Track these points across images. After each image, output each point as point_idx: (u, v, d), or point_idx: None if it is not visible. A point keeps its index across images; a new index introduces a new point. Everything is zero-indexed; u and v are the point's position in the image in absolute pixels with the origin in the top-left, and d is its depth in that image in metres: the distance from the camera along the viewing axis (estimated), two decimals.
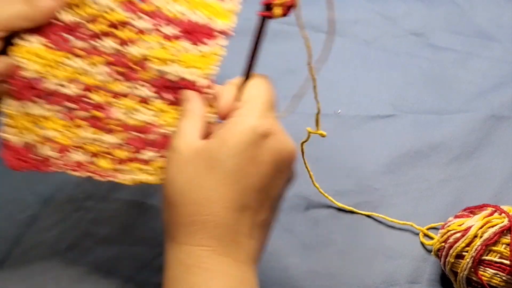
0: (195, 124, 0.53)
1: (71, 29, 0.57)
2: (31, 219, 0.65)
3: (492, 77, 0.74)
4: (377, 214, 0.65)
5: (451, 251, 0.57)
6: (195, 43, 0.57)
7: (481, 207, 0.59)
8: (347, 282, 0.62)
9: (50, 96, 0.57)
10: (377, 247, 0.64)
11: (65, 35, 0.57)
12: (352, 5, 0.80)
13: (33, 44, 0.57)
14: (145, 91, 0.58)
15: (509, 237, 0.55)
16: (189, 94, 0.55)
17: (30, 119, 0.57)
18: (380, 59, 0.75)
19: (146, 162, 0.57)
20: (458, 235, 0.57)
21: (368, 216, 0.65)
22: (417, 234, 0.64)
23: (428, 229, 0.63)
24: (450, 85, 0.73)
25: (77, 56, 0.57)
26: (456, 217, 0.59)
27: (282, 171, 0.51)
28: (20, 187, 0.67)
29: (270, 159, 0.50)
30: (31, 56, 0.56)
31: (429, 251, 0.63)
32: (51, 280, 0.61)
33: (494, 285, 0.55)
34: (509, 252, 0.55)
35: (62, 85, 0.57)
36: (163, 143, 0.57)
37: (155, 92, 0.57)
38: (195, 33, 0.58)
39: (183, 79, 0.57)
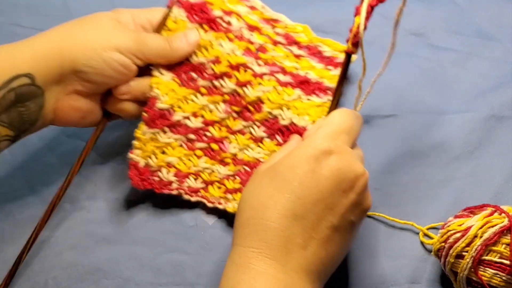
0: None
1: (197, 68, 0.64)
2: (31, 219, 0.64)
3: (492, 77, 0.73)
4: (377, 214, 0.65)
5: (451, 251, 0.57)
6: (308, 94, 0.65)
7: (481, 207, 0.59)
8: (347, 282, 0.62)
9: (176, 127, 0.64)
10: (377, 247, 0.64)
11: (192, 74, 0.64)
12: (352, 5, 0.80)
13: (165, 77, 0.63)
14: (259, 131, 0.64)
15: (509, 237, 0.55)
16: (293, 135, 0.62)
17: (157, 145, 0.63)
18: (380, 59, 0.75)
19: None
20: (458, 235, 0.57)
21: (368, 216, 0.65)
22: (417, 234, 0.64)
23: (428, 229, 0.63)
24: (450, 85, 0.73)
25: (201, 93, 0.64)
26: (456, 217, 0.59)
27: (346, 191, 0.53)
28: (20, 187, 0.67)
29: (330, 175, 0.52)
30: (167, 90, 0.63)
31: (429, 250, 0.63)
32: (51, 280, 0.61)
33: (494, 285, 0.55)
34: (509, 252, 0.55)
35: (187, 118, 0.64)
36: None
37: (267, 132, 0.64)
38: (308, 85, 0.66)
39: (293, 124, 0.63)
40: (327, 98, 0.66)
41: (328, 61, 0.69)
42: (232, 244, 0.53)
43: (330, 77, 0.67)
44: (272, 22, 0.69)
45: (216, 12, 0.64)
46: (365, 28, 0.56)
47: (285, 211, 0.51)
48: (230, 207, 0.63)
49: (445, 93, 0.72)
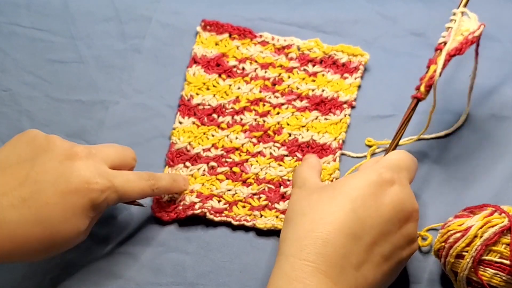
0: (315, 172, 0.60)
1: (218, 109, 0.70)
2: None
3: (492, 77, 0.73)
4: None
5: (451, 251, 0.57)
6: (325, 114, 0.70)
7: (481, 207, 0.59)
8: None
9: (197, 159, 0.67)
10: None
11: (213, 115, 0.70)
12: (352, 5, 0.80)
13: (185, 124, 0.69)
14: (278, 151, 0.68)
15: (509, 237, 0.55)
16: (309, 154, 0.66)
17: None
18: (380, 59, 0.75)
19: (282, 211, 0.64)
20: (458, 235, 0.57)
21: None
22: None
23: (427, 230, 0.63)
24: (450, 85, 0.73)
25: (221, 128, 0.69)
26: (456, 217, 0.59)
27: (401, 222, 0.55)
28: None
29: (391, 203, 0.54)
30: (184, 134, 0.68)
31: (425, 252, 0.63)
32: (51, 280, 0.61)
33: (494, 285, 0.55)
34: (509, 252, 0.55)
35: (207, 150, 0.68)
36: None
37: (287, 151, 0.68)
38: (324, 104, 0.70)
39: (314, 140, 0.68)
40: (344, 114, 0.70)
41: (344, 69, 0.73)
42: (280, 253, 0.53)
43: (346, 87, 0.71)
44: (284, 49, 0.74)
45: (231, 63, 0.73)
46: (440, 75, 0.61)
47: (345, 229, 0.52)
48: (260, 223, 0.63)
49: (445, 93, 0.72)
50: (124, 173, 0.59)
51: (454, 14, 0.64)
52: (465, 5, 0.64)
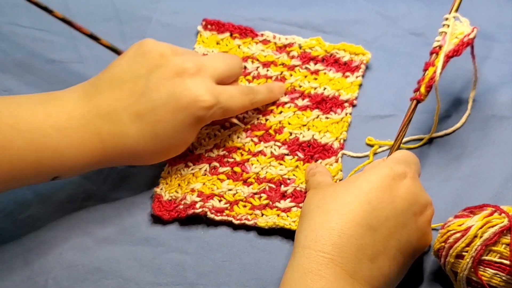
0: (327, 177, 0.62)
1: None
2: (31, 219, 0.65)
3: (492, 77, 0.73)
4: None
5: (451, 251, 0.57)
6: (326, 112, 0.70)
7: (481, 207, 0.59)
8: None
9: (199, 160, 0.66)
10: None
11: None
12: (352, 5, 0.80)
13: None
14: (279, 150, 0.67)
15: (509, 237, 0.55)
16: (314, 164, 0.66)
17: (181, 178, 0.65)
18: (380, 59, 0.75)
19: (283, 210, 0.64)
20: (458, 235, 0.57)
21: None
22: None
23: None
24: (449, 85, 0.73)
25: (224, 127, 0.68)
26: (456, 217, 0.59)
27: (416, 214, 0.55)
28: (20, 187, 0.67)
29: (404, 195, 0.55)
30: None
31: (425, 252, 0.63)
32: (51, 280, 0.61)
33: (494, 285, 0.55)
34: (509, 252, 0.55)
35: (209, 151, 0.67)
36: (297, 196, 0.65)
37: (288, 149, 0.67)
38: (325, 103, 0.70)
39: (315, 139, 0.68)
40: (345, 112, 0.70)
41: (346, 67, 0.73)
42: (295, 245, 0.54)
43: (347, 86, 0.71)
44: (286, 47, 0.74)
45: None
46: (439, 76, 0.63)
47: (360, 220, 0.52)
48: (262, 222, 0.63)
49: (445, 94, 0.72)
50: (228, 89, 0.63)
51: (447, 19, 0.66)
52: (456, 10, 0.67)
